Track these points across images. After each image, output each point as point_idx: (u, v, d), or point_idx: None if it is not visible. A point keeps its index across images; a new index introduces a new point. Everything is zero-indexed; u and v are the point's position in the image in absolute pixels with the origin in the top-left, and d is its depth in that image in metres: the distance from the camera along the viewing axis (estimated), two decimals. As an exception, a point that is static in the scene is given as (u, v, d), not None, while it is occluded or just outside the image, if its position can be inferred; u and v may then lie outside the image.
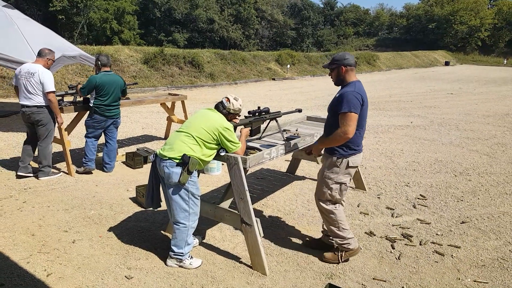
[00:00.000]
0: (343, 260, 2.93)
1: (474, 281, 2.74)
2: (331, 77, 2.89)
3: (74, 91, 5.01)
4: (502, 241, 3.35)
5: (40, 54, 4.43)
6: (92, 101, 4.69)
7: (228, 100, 2.85)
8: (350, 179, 2.91)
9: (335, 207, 2.89)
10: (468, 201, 4.24)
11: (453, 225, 3.65)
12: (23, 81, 4.31)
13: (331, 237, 2.99)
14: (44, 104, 4.37)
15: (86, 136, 4.81)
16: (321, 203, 2.92)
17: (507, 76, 23.92)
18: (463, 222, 3.70)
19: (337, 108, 2.70)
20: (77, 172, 4.81)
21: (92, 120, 4.72)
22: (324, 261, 2.95)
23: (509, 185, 4.78)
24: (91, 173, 4.83)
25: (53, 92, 4.36)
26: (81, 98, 5.00)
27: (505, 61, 39.29)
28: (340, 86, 2.88)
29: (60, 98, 4.96)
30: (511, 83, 19.64)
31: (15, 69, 4.98)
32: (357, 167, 2.90)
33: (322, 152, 2.98)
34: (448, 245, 3.24)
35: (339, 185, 2.84)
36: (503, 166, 5.57)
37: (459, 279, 2.77)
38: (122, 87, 4.83)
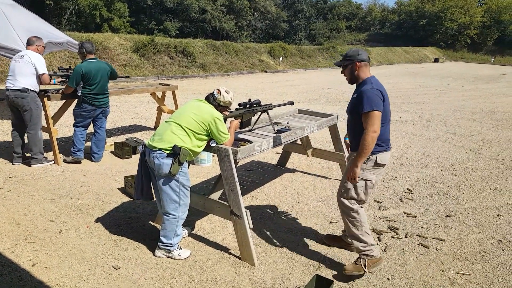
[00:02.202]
0: (368, 269, 2.67)
1: (457, 273, 2.81)
2: (344, 75, 2.73)
3: (63, 73, 4.93)
4: (485, 234, 3.43)
5: (28, 43, 4.50)
6: (79, 90, 4.58)
7: (219, 92, 2.83)
8: (376, 178, 2.70)
9: (358, 209, 2.69)
10: (453, 196, 4.33)
11: (438, 218, 3.72)
12: (12, 63, 4.35)
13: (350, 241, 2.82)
14: (29, 88, 4.30)
15: (74, 126, 4.72)
16: (343, 200, 2.72)
17: (494, 74, 24.30)
18: (448, 216, 3.78)
19: (358, 109, 2.55)
20: (64, 161, 4.74)
21: (81, 109, 4.62)
22: (347, 274, 2.68)
23: (493, 180, 4.88)
24: (80, 162, 4.77)
25: (45, 73, 4.42)
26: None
27: (493, 59, 39.87)
28: (355, 84, 2.72)
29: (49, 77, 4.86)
30: (497, 80, 19.97)
31: None
32: (384, 165, 2.70)
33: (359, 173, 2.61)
34: (433, 238, 3.31)
35: (364, 182, 2.65)
36: (487, 161, 5.69)
37: (442, 271, 2.83)
38: (108, 72, 4.70)
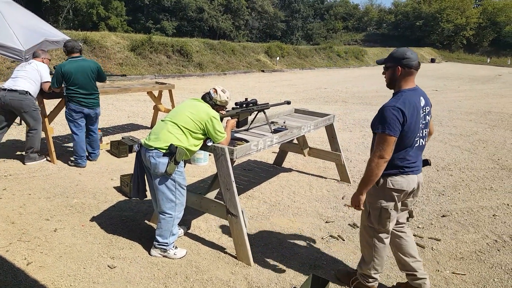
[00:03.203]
0: (352, 286, 2.55)
1: (453, 273, 2.82)
2: (385, 77, 2.31)
3: None
4: (480, 234, 3.45)
5: (34, 55, 4.68)
6: (64, 91, 4.41)
7: (216, 91, 2.83)
8: (397, 205, 2.29)
9: (377, 239, 2.37)
10: (449, 195, 4.34)
11: (434, 218, 3.73)
12: (17, 68, 4.47)
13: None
14: (28, 91, 4.32)
15: (72, 132, 4.54)
16: (361, 228, 2.48)
17: (490, 75, 24.43)
18: (443, 216, 3.79)
19: (373, 126, 2.22)
20: (71, 161, 4.67)
21: (69, 110, 4.43)
22: (336, 276, 2.68)
23: (489, 180, 4.91)
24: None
25: (49, 82, 4.48)
26: None
27: (489, 60, 40.12)
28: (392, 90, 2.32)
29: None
30: (493, 81, 20.08)
31: None
32: (404, 191, 2.26)
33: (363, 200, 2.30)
34: (429, 238, 3.32)
35: (378, 210, 2.30)
36: (483, 162, 5.72)
37: (438, 270, 2.84)
38: (94, 71, 4.47)
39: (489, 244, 3.28)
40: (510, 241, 3.34)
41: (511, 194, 4.45)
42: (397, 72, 2.22)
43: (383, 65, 2.31)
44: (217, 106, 2.87)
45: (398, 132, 2.12)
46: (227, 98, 2.87)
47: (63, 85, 4.39)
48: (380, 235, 2.38)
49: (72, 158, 4.69)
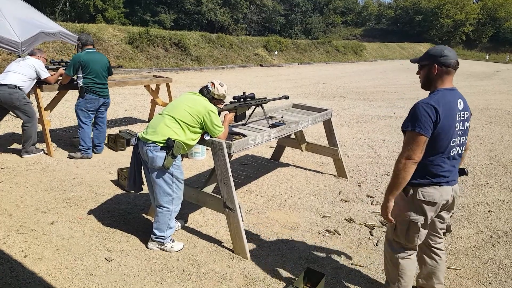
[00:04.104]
0: None
1: (447, 268, 2.84)
2: (419, 77, 2.16)
3: (55, 67, 4.90)
4: (476, 230, 3.48)
5: (31, 53, 4.68)
6: (80, 81, 4.49)
7: (213, 85, 2.82)
8: (428, 219, 2.10)
9: (402, 256, 2.17)
10: (445, 191, 4.37)
11: (430, 214, 3.76)
12: (11, 63, 4.45)
13: None
14: (17, 85, 4.30)
15: (81, 122, 4.58)
16: (386, 243, 2.29)
17: (489, 71, 24.45)
18: (439, 212, 3.81)
19: (403, 125, 2.03)
20: (71, 157, 4.63)
21: (85, 100, 4.53)
22: None
23: (485, 176, 4.94)
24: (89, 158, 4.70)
25: (48, 76, 4.54)
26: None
27: (487, 56, 40.11)
28: (428, 91, 2.13)
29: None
30: (491, 78, 20.10)
31: None
32: (436, 204, 2.07)
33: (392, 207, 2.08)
34: (424, 233, 3.35)
35: (406, 224, 2.11)
36: (480, 158, 5.74)
37: (433, 265, 2.87)
38: (108, 64, 4.70)
39: (484, 239, 3.31)
40: (504, 236, 3.38)
41: (506, 190, 4.48)
42: (433, 70, 2.05)
43: (418, 64, 2.15)
44: (215, 100, 2.86)
45: (430, 132, 1.94)
46: (225, 91, 2.86)
47: (79, 75, 4.48)
48: (406, 251, 2.18)
49: (72, 154, 4.67)
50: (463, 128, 2.08)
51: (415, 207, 2.08)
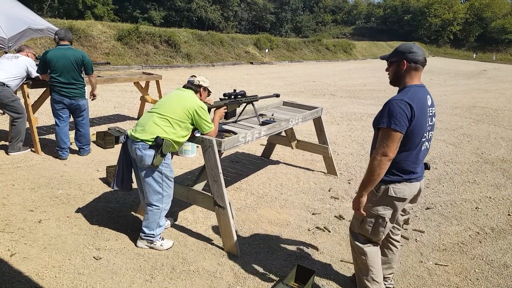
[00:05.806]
0: None
1: (435, 264, 2.88)
2: (388, 73, 2.18)
3: None
4: (463, 226, 3.53)
5: (19, 50, 4.66)
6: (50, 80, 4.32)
7: (195, 76, 2.87)
8: (396, 215, 2.15)
9: (367, 246, 2.23)
10: (434, 188, 4.43)
11: (418, 210, 3.80)
12: (1, 60, 4.35)
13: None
14: (4, 83, 4.22)
15: (55, 123, 4.44)
16: (351, 236, 2.32)
17: (476, 70, 24.84)
18: (427, 208, 3.86)
19: (376, 121, 2.06)
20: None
21: (52, 100, 4.33)
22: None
23: (472, 174, 5.02)
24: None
25: (38, 75, 4.46)
26: None
27: (475, 55, 40.73)
28: (397, 88, 2.16)
29: None
30: (478, 76, 20.43)
31: None
32: (406, 200, 2.12)
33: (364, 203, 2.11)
34: (413, 230, 3.38)
35: (374, 218, 2.15)
36: (467, 156, 5.83)
37: (421, 262, 2.90)
38: (79, 61, 4.27)
39: (471, 236, 3.36)
40: (491, 233, 3.43)
41: (493, 187, 4.56)
42: (402, 66, 2.07)
43: (387, 61, 2.17)
44: (202, 88, 2.85)
45: (405, 129, 1.95)
46: (206, 78, 2.89)
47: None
48: (371, 244, 2.25)
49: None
50: (431, 123, 2.14)
51: (385, 202, 2.12)
